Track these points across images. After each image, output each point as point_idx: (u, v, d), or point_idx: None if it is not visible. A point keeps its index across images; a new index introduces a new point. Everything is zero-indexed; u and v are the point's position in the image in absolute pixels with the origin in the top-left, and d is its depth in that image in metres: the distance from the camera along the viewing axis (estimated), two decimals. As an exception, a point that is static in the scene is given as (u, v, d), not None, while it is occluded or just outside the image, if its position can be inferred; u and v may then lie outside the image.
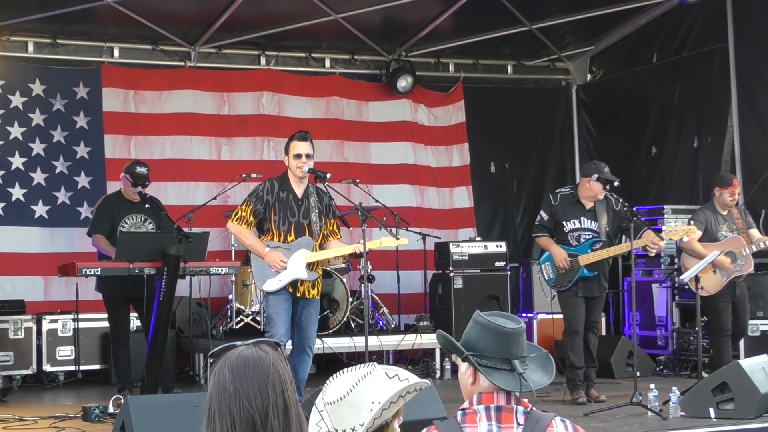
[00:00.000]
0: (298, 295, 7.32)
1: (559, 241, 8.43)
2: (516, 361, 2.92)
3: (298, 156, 7.31)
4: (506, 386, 2.90)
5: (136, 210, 8.52)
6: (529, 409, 2.91)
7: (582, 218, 8.41)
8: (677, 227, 8.23)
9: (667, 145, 11.78)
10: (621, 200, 8.46)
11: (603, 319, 10.64)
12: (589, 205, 8.42)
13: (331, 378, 2.52)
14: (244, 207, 7.39)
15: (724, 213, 9.02)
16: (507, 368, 2.92)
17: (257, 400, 2.17)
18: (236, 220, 7.36)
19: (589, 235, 8.39)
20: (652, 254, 8.37)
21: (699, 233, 8.78)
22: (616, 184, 8.36)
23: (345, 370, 2.53)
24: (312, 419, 2.51)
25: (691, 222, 8.86)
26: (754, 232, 9.07)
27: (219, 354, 2.24)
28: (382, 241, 7.59)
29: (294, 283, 7.29)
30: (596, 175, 8.28)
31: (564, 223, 8.42)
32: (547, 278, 8.47)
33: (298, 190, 7.39)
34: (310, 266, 7.33)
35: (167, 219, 8.39)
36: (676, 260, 10.66)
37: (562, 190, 8.70)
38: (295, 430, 2.19)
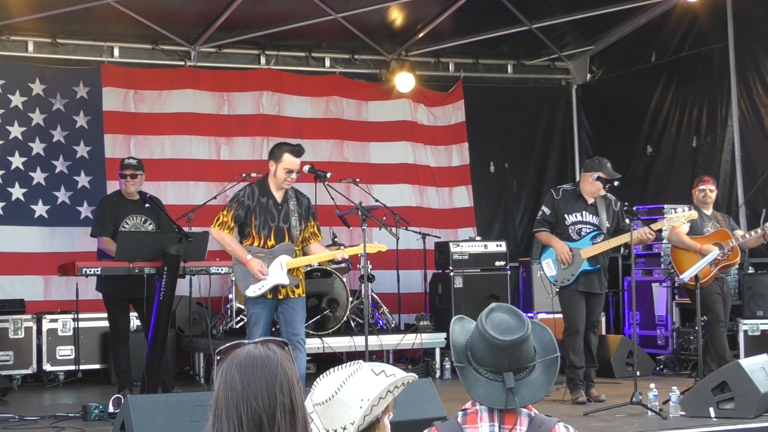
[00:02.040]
0: (281, 297, 7.39)
1: (560, 235, 8.43)
2: (509, 374, 2.84)
3: (290, 172, 7.36)
4: (490, 402, 2.84)
5: (136, 210, 8.53)
6: (532, 413, 2.88)
7: (584, 212, 8.42)
8: (679, 214, 8.31)
9: (667, 145, 11.77)
10: (620, 202, 8.48)
11: (603, 319, 10.65)
12: (590, 200, 8.43)
13: (318, 379, 2.52)
14: (225, 212, 7.45)
15: (708, 213, 9.20)
16: (499, 380, 2.85)
17: (265, 400, 2.17)
18: (218, 226, 7.44)
19: (590, 228, 8.39)
20: (651, 238, 8.32)
21: (687, 227, 8.98)
22: (616, 183, 8.37)
23: (331, 370, 2.53)
24: None
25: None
26: (738, 232, 9.19)
27: (226, 352, 2.25)
28: (361, 247, 7.68)
29: (275, 288, 7.35)
30: (597, 174, 8.31)
31: (566, 216, 8.43)
32: (549, 275, 8.46)
33: (278, 195, 7.46)
34: (291, 271, 7.38)
35: (167, 219, 8.39)
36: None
37: (564, 186, 8.72)
38: (300, 430, 2.20)
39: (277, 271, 7.32)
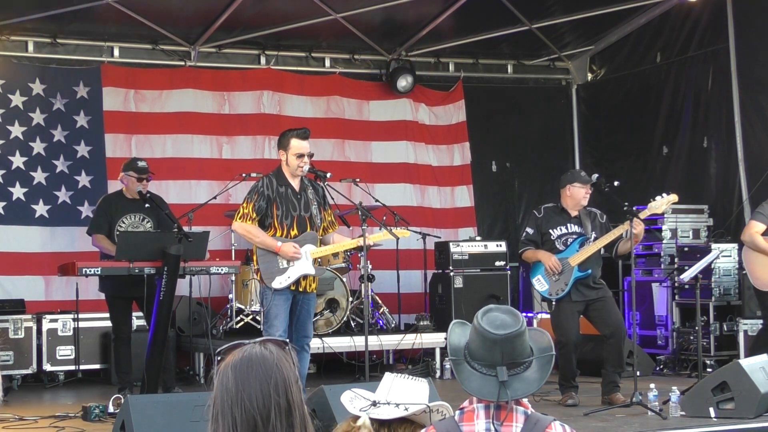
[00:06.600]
0: (300, 289, 7.33)
1: (548, 251, 8.37)
2: (502, 368, 2.86)
3: (301, 156, 7.32)
4: (482, 394, 2.87)
5: (134, 209, 8.52)
6: (529, 411, 2.90)
7: (568, 224, 8.40)
8: (659, 201, 8.13)
9: (675, 145, 11.73)
10: (605, 215, 8.48)
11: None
12: (573, 213, 8.42)
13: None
14: (245, 204, 7.34)
15: None
16: (492, 374, 2.88)
17: (259, 401, 2.17)
18: (240, 218, 7.32)
19: (574, 237, 8.36)
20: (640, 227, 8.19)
21: (762, 227, 8.42)
22: (616, 183, 8.36)
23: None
24: (345, 397, 3.09)
25: (755, 217, 8.63)
26: None
27: (226, 352, 2.25)
28: (385, 233, 7.61)
29: (298, 279, 7.31)
30: (576, 184, 8.32)
31: (551, 231, 8.41)
32: (541, 290, 8.41)
33: (295, 184, 7.40)
34: (315, 261, 7.36)
35: (166, 217, 8.37)
36: (676, 260, 10.67)
37: (546, 204, 8.70)
38: (299, 430, 2.20)
39: (302, 261, 7.26)
